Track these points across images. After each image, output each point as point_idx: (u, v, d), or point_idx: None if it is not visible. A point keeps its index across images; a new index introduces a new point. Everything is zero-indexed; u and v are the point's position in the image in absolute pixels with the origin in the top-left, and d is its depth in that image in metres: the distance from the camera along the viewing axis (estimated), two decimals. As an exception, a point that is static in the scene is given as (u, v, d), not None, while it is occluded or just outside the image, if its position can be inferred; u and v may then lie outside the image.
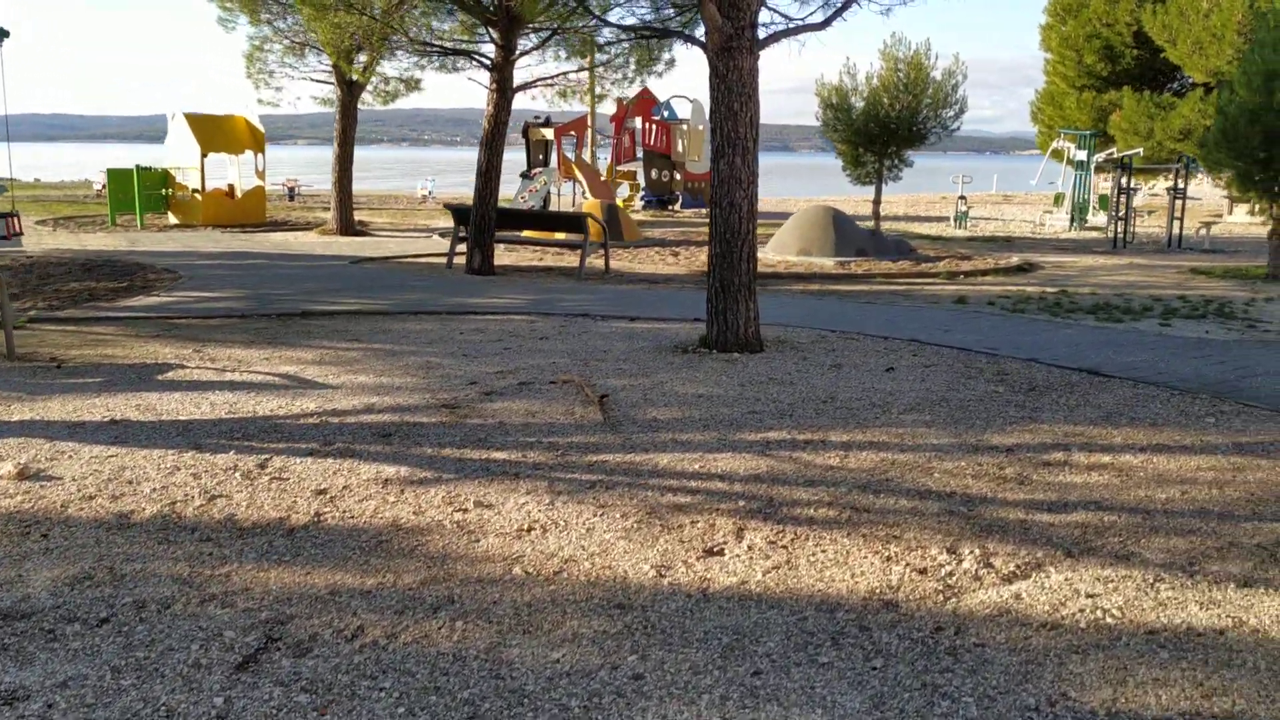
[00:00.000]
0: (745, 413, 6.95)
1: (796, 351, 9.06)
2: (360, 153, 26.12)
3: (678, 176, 28.76)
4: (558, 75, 15.64)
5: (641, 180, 29.12)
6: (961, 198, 25.12)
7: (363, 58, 18.93)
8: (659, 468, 5.77)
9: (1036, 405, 7.25)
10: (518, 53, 14.25)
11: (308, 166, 62.83)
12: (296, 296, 12.10)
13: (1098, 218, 23.64)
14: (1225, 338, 10.37)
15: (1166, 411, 7.13)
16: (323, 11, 14.42)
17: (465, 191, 42.09)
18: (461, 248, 15.01)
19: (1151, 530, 4.91)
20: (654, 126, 27.98)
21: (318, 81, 19.41)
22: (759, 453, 6.07)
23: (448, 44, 14.67)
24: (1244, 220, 29.42)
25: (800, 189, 52.50)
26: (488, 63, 14.20)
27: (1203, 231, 21.26)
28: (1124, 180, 20.64)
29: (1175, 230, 20.64)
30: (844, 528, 4.90)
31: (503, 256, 16.62)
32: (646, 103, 28.75)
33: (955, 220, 24.98)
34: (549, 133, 24.74)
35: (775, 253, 16.91)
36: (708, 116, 27.42)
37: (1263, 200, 15.38)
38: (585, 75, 16.91)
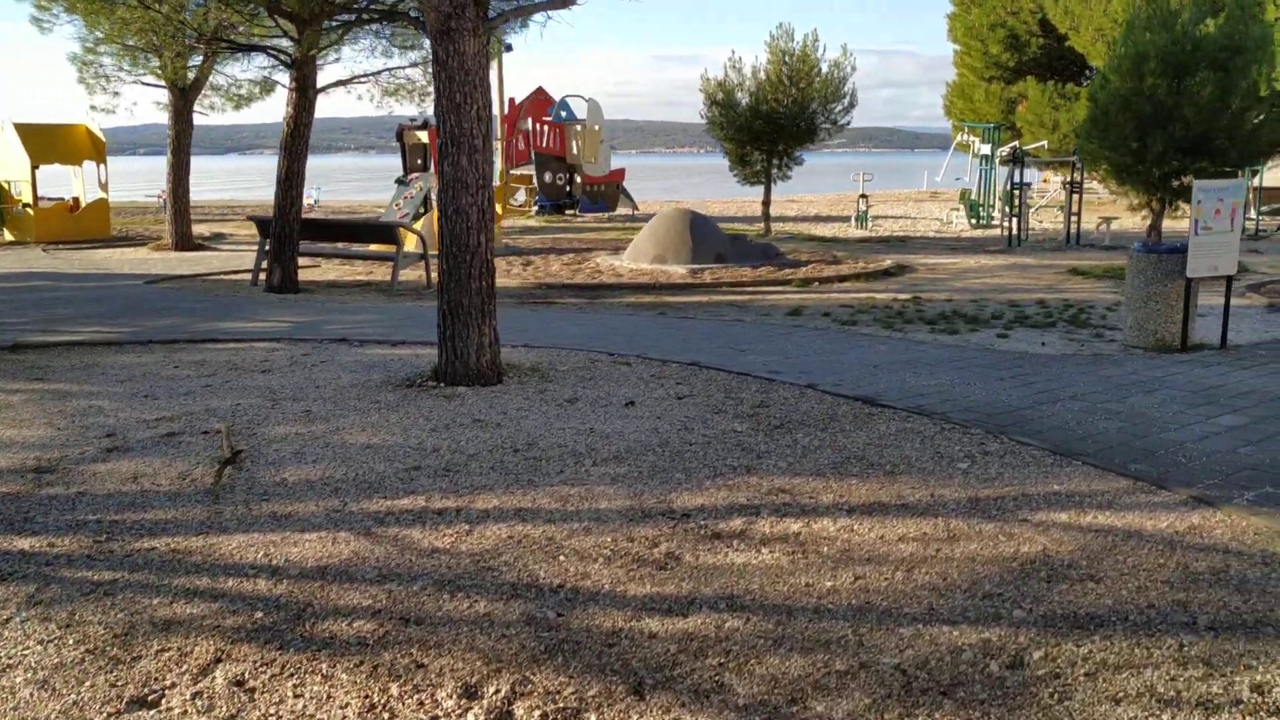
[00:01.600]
0: (402, 470, 5.67)
1: (542, 382, 7.79)
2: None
3: (577, 180, 27.47)
4: (368, 74, 14.31)
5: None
6: (863, 196, 24.00)
7: (197, 60, 17.52)
8: (205, 560, 4.48)
9: (767, 449, 6.02)
10: (321, 47, 12.91)
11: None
12: (30, 325, 10.71)
13: (993, 214, 22.56)
14: (1058, 351, 9.21)
15: (919, 454, 5.92)
16: (109, 6, 13.03)
17: (357, 200, 40.58)
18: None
19: (774, 644, 3.68)
20: (546, 128, 26.67)
21: (149, 85, 17.92)
22: (363, 530, 4.79)
23: (240, 40, 13.29)
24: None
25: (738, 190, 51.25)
26: (286, 59, 12.87)
27: (1103, 227, 20.25)
28: (1017, 175, 19.57)
29: (1073, 227, 19.58)
30: (358, 654, 3.63)
31: (328, 271, 15.28)
32: (541, 103, 27.44)
33: (856, 220, 23.85)
34: (424, 136, 23.37)
35: (630, 260, 15.67)
36: (604, 116, 26.15)
37: (1139, 193, 14.30)
38: (417, 72, 15.56)
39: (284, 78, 12.99)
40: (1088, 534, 4.69)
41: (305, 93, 12.83)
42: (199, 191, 35.33)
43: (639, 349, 9.24)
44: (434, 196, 23.26)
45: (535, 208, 26.95)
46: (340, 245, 14.79)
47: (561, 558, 4.47)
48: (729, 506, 5.09)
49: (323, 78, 16.69)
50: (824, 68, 20.94)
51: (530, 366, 8.32)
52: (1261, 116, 13.06)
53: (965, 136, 24.64)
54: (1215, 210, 8.92)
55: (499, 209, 27.07)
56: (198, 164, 21.74)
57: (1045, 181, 31.82)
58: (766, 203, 21.85)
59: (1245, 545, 4.54)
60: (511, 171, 27.52)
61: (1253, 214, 22.19)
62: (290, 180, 12.96)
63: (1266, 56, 13.05)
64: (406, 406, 7.07)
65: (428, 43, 15.07)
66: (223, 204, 39.77)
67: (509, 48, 36.88)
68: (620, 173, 28.34)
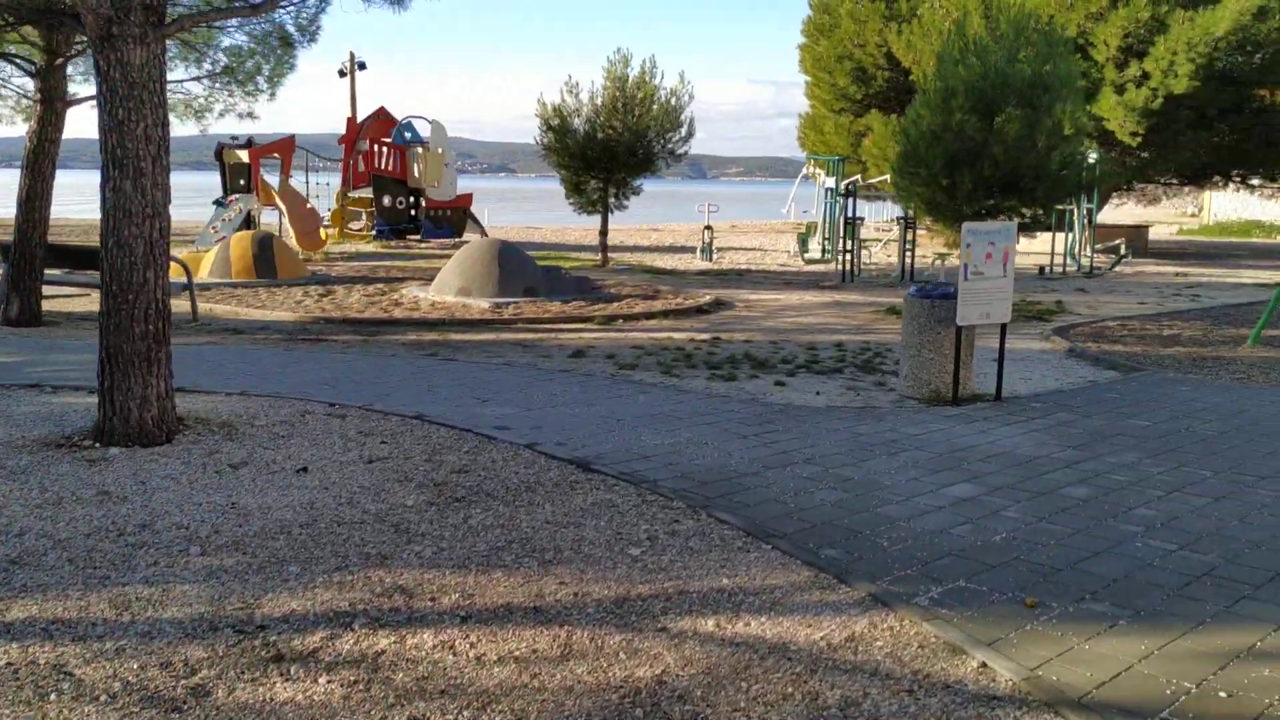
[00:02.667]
0: (-47, 564, 4.64)
1: (224, 441, 6.79)
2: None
3: (423, 204, 26.37)
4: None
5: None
6: (707, 228, 23.51)
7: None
8: None
9: (425, 531, 5.16)
10: (71, 54, 11.69)
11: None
12: None
13: (824, 248, 22.24)
14: (826, 403, 8.60)
15: (596, 536, 5.14)
16: None
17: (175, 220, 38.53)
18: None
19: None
20: (386, 149, 25.56)
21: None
22: None
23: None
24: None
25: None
26: (30, 68, 11.62)
27: (937, 264, 20.09)
28: (850, 209, 19.27)
29: (907, 262, 19.35)
30: None
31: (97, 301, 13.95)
32: (383, 124, 26.35)
33: (701, 252, 23.35)
34: (245, 155, 22.07)
35: (435, 293, 14.73)
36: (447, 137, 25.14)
37: (950, 229, 13.99)
38: (199, 86, 14.37)
39: (29, 85, 11.71)
40: (726, 649, 3.95)
41: (51, 104, 11.59)
42: None
43: (372, 397, 8.31)
44: (256, 217, 22.01)
45: (374, 232, 25.77)
46: (89, 274, 13.50)
47: (53, 697, 3.52)
48: (324, 613, 4.21)
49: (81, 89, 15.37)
50: (662, 95, 20.39)
51: (222, 421, 7.31)
52: (1066, 155, 12.83)
53: (811, 168, 24.42)
54: (986, 255, 8.44)
55: (334, 233, 25.87)
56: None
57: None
58: (604, 232, 21.16)
59: (900, 663, 3.85)
60: (350, 194, 26.35)
61: (1088, 251, 22.40)
62: (33, 201, 11.68)
63: (1072, 94, 12.85)
64: (32, 473, 6.01)
65: (221, 55, 14.02)
66: None
67: (363, 65, 35.75)
68: (468, 197, 27.36)
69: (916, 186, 13.67)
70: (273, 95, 14.28)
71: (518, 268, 14.75)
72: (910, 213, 18.49)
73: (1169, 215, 52.58)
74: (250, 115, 14.09)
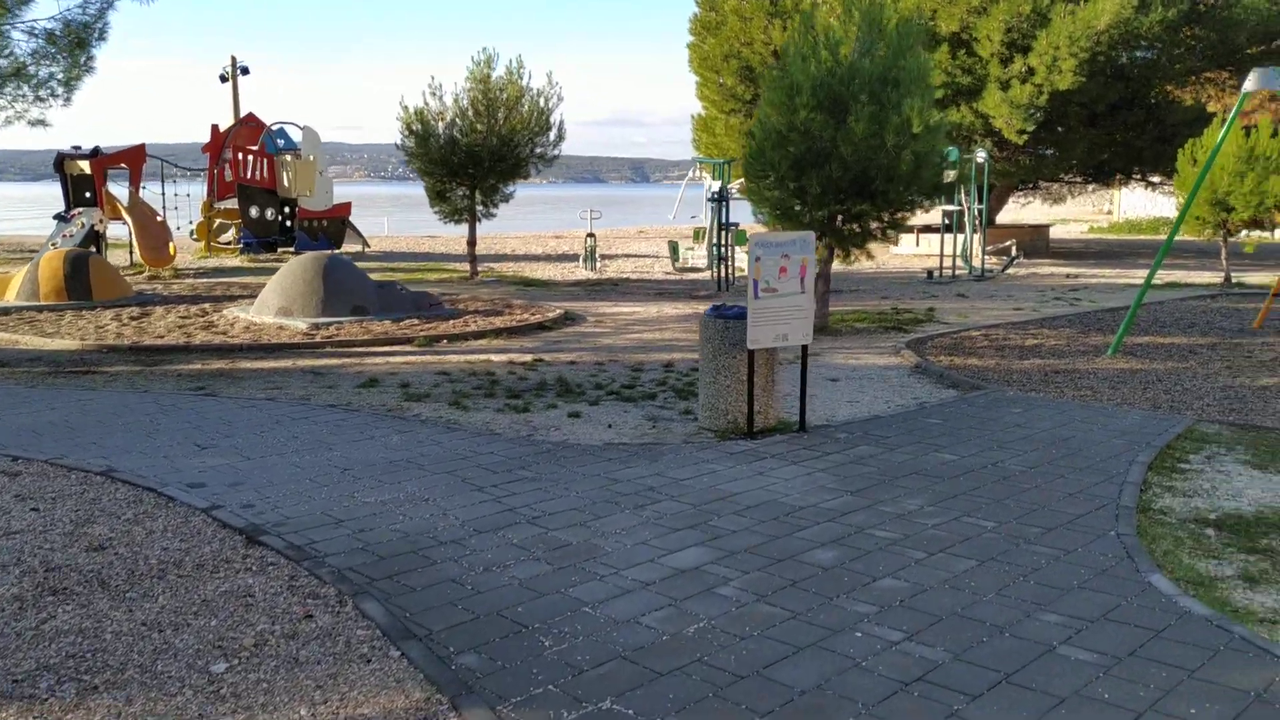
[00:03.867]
0: None
1: None
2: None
3: (297, 214, 25.01)
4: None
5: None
6: (590, 235, 22.49)
7: None
8: None
9: (-35, 645, 4.06)
10: None
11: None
12: None
13: (697, 255, 21.35)
14: (611, 438, 7.61)
15: (186, 642, 4.10)
16: None
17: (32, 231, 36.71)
18: None
19: None
20: (254, 158, 24.18)
21: None
22: None
23: None
24: (909, 251, 28.21)
25: (500, 224, 49.68)
26: None
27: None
28: (724, 215, 18.38)
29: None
30: None
31: None
32: (252, 130, 24.96)
33: (584, 261, 22.33)
34: (87, 166, 20.61)
35: (256, 314, 13.53)
36: (321, 144, 23.86)
37: (806, 238, 13.07)
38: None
39: None
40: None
41: None
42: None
43: (74, 446, 7.16)
44: (102, 232, 20.56)
45: (241, 246, 24.38)
46: None
47: None
48: None
49: None
50: (530, 97, 19.34)
51: None
52: (919, 155, 11.98)
53: (696, 171, 23.54)
54: (780, 269, 7.51)
55: (200, 247, 24.45)
56: None
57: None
58: (472, 243, 20.02)
59: None
60: (217, 205, 24.94)
61: (978, 252, 21.77)
62: None
63: (921, 90, 12.02)
64: None
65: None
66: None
67: (245, 70, 34.18)
68: (346, 206, 26.06)
69: (765, 191, 12.78)
70: (68, 100, 12.99)
71: (345, 284, 13.60)
72: (726, 216, 17.80)
73: (1085, 213, 52.71)
74: (42, 123, 12.81)
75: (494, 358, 11.16)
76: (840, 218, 12.78)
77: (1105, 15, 19.43)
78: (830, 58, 12.47)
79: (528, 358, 11.16)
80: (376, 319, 13.29)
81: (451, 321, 13.37)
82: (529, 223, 49.37)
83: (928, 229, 26.92)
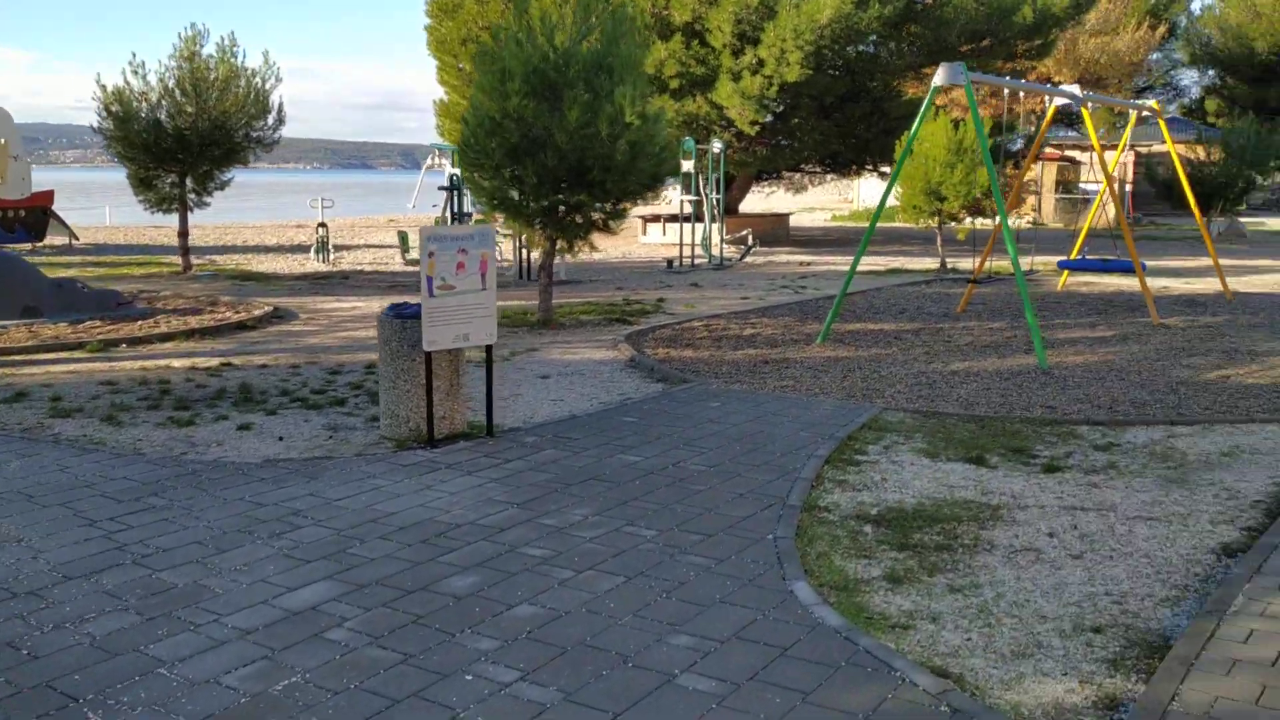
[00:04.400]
0: None
1: None
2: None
3: (-9, 203, 22.43)
4: None
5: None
6: (321, 225, 21.32)
7: None
8: None
9: None
10: None
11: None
12: None
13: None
14: (280, 451, 6.91)
15: None
16: None
17: None
18: None
19: None
20: (-70, 140, 21.47)
21: None
22: None
23: None
24: (656, 240, 28.43)
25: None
26: None
27: (559, 260, 18.92)
28: (457, 203, 17.77)
29: (529, 258, 18.07)
30: None
31: None
32: (-69, 109, 22.15)
33: (316, 252, 21.14)
34: None
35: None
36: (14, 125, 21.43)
37: (527, 228, 12.72)
38: None
39: None
40: None
41: None
42: None
43: None
44: None
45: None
46: None
47: None
48: None
49: None
50: (245, 77, 18.01)
51: None
52: (635, 145, 11.80)
53: (435, 158, 22.76)
54: (458, 264, 7.03)
55: None
56: None
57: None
58: (184, 233, 18.48)
59: None
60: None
61: (716, 240, 22.09)
62: None
63: (634, 78, 11.84)
64: None
65: None
66: None
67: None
68: (47, 195, 23.61)
69: (482, 180, 12.29)
70: None
71: (12, 283, 12.11)
72: (459, 205, 17.37)
73: (830, 202, 55.15)
74: None
75: (176, 363, 10.14)
76: (562, 208, 12.45)
77: (827, 10, 20.06)
78: (546, 43, 12.10)
79: (214, 362, 10.21)
80: (50, 321, 11.90)
81: (140, 322, 12.14)
82: (273, 212, 46.83)
83: (674, 218, 27.20)
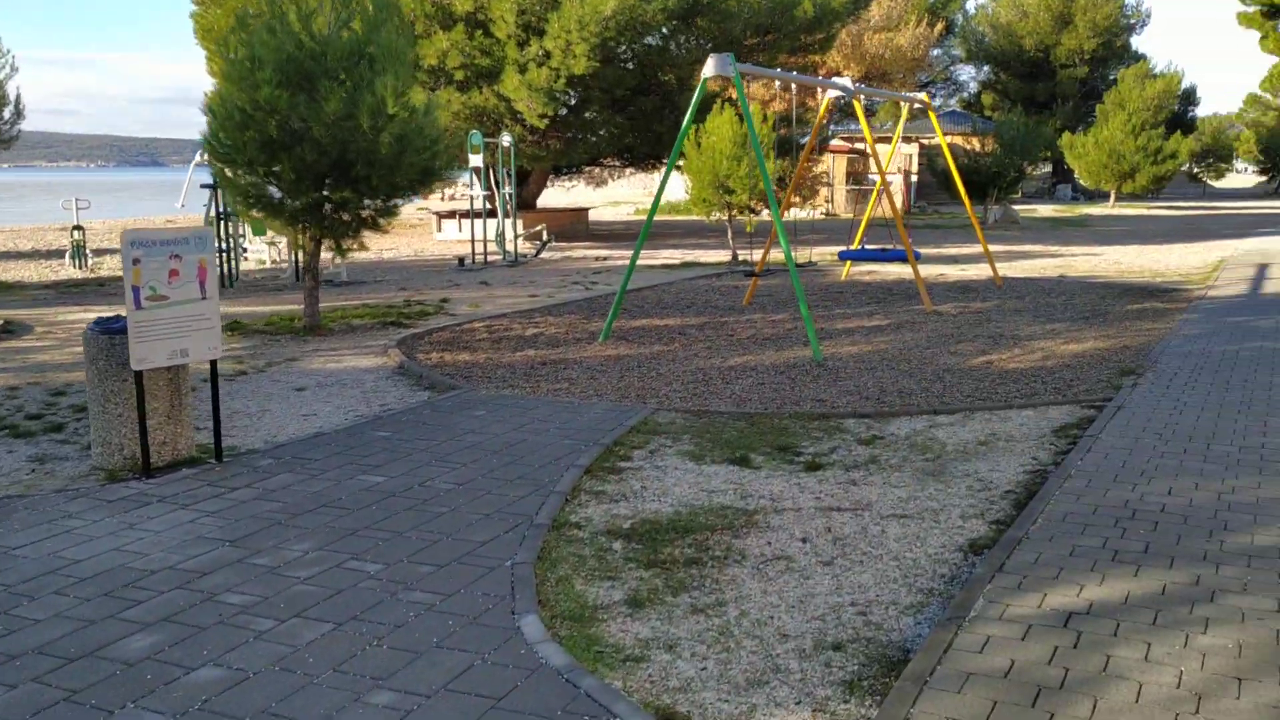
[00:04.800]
0: None
1: None
2: None
3: None
4: None
5: None
6: (77, 228, 19.60)
7: None
8: None
9: None
10: None
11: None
12: None
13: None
14: (-47, 494, 6.00)
15: None
16: None
17: None
18: None
19: None
20: None
21: None
22: None
23: None
24: (453, 237, 27.64)
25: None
26: None
27: (339, 260, 17.99)
28: (221, 203, 16.57)
29: (301, 260, 17.04)
30: None
31: None
32: None
33: (71, 257, 19.40)
34: None
35: None
36: None
37: (288, 229, 11.88)
38: None
39: None
40: None
41: None
42: None
43: None
44: None
45: None
46: None
47: None
48: None
49: None
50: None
51: None
52: (399, 138, 11.16)
53: (204, 154, 21.29)
54: (170, 272, 6.30)
55: None
56: None
57: None
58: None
59: None
60: None
61: (510, 236, 21.57)
62: None
63: (397, 67, 11.19)
64: None
65: None
66: None
67: None
68: None
69: (235, 177, 11.39)
70: None
71: None
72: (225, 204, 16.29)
73: (635, 195, 55.40)
74: None
75: None
76: (328, 206, 11.67)
77: (611, 1, 19.82)
78: (302, 29, 11.31)
79: (-85, 387, 9.00)
80: None
81: None
82: (37, 215, 43.24)
83: (479, 214, 26.49)
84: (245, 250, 20.63)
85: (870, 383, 9.08)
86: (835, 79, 13.41)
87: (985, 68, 60.76)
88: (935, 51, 55.66)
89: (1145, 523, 5.22)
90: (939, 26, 49.90)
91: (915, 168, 44.41)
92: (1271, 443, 6.76)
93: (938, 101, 60.77)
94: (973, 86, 63.55)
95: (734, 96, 27.79)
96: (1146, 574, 4.56)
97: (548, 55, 20.74)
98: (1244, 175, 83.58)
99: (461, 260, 20.29)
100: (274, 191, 11.61)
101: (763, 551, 5.04)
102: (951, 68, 62.16)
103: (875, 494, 5.93)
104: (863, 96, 13.55)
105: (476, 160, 20.16)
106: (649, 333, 11.95)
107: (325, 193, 11.41)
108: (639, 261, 21.08)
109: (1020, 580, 4.48)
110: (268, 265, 20.01)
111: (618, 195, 53.12)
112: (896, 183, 40.93)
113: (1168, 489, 5.78)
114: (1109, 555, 4.77)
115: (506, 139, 20.94)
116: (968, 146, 37.89)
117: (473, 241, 20.94)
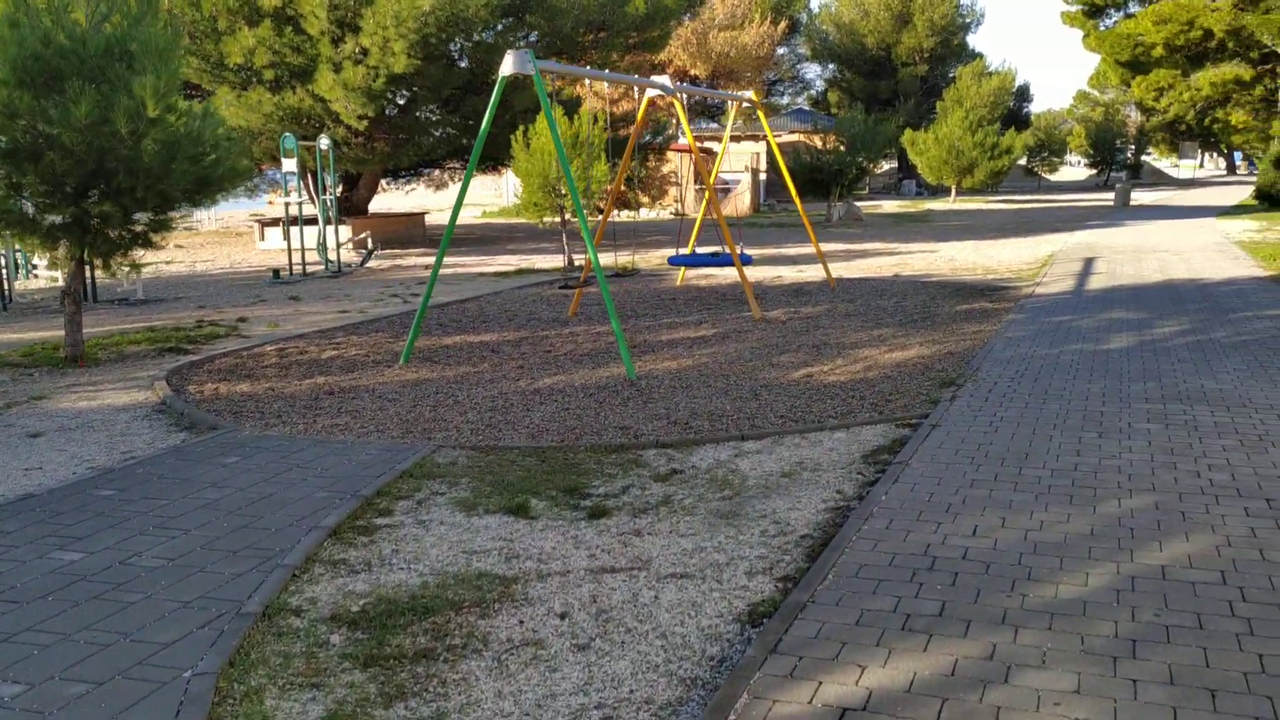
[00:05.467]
0: None
1: None
2: None
3: None
4: None
5: None
6: None
7: None
8: None
9: None
10: None
11: None
12: None
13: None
14: None
15: None
16: None
17: None
18: None
19: None
20: None
21: None
22: None
23: None
24: (277, 246, 26.10)
25: None
26: None
27: (135, 277, 16.51)
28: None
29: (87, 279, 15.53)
30: None
31: None
32: None
33: None
34: None
35: None
36: None
37: (43, 247, 10.56)
38: None
39: None
40: None
41: None
42: None
43: None
44: None
45: None
46: None
47: None
48: None
49: None
50: None
51: None
52: (167, 144, 10.00)
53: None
54: None
55: None
56: None
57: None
58: None
59: None
60: None
61: (333, 244, 20.34)
62: None
63: (159, 66, 10.03)
64: None
65: None
66: None
67: None
68: None
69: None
70: None
71: None
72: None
73: (484, 197, 54.13)
74: None
75: None
76: (94, 221, 10.41)
77: (430, -4, 18.79)
78: (53, 24, 10.03)
79: None
80: None
81: None
82: None
83: (296, 221, 25.05)
84: (35, 268, 18.87)
85: (683, 403, 8.43)
86: (654, 77, 12.80)
87: (830, 66, 61.71)
88: (782, 50, 56.17)
89: (944, 574, 4.67)
90: (783, 25, 50.31)
91: (764, 166, 44.56)
92: (1084, 463, 6.36)
93: (785, 100, 61.44)
94: (819, 85, 64.55)
95: (578, 96, 27.02)
96: (938, 646, 3.97)
97: (365, 53, 19.56)
98: (1076, 169, 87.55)
99: (276, 273, 18.93)
100: (27, 206, 10.31)
101: (510, 635, 4.28)
102: (798, 66, 62.89)
103: (658, 547, 5.24)
104: (683, 95, 12.97)
105: (290, 165, 18.88)
106: (459, 351, 11.08)
107: (88, 206, 10.16)
108: (473, 270, 20.15)
109: (794, 665, 3.83)
110: (60, 284, 18.28)
111: (466, 198, 51.71)
112: (745, 181, 40.96)
113: (973, 528, 5.26)
114: (899, 622, 4.18)
115: (325, 141, 19.69)
116: (810, 145, 38.11)
117: (289, 251, 19.62)
